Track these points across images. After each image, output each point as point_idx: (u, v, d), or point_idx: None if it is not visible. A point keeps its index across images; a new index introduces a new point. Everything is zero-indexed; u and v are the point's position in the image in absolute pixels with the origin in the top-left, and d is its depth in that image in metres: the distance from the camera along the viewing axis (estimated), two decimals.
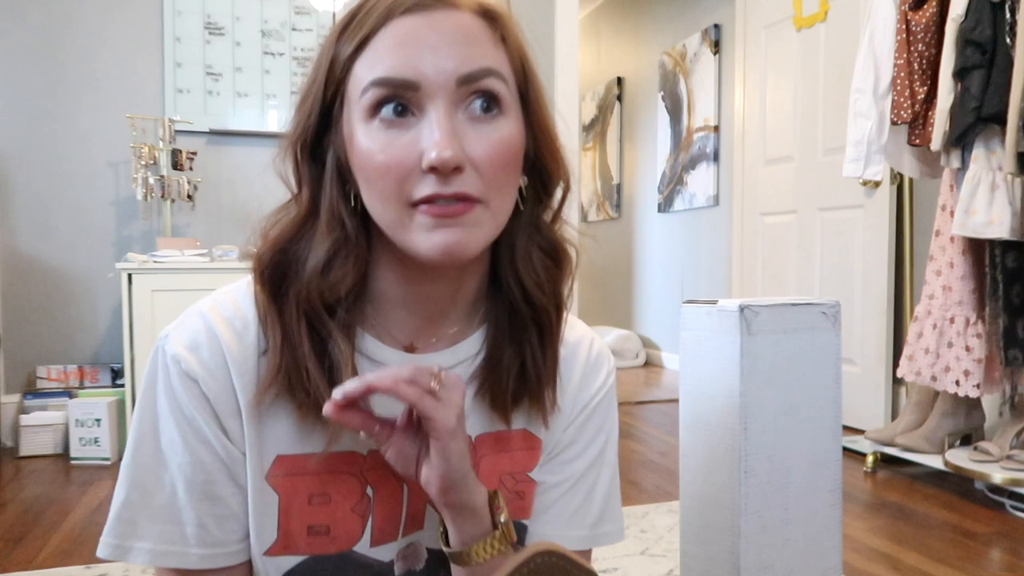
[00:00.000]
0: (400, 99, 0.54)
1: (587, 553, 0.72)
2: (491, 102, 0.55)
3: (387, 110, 0.54)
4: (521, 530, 0.67)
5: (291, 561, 0.60)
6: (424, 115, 0.54)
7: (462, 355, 0.63)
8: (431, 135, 0.52)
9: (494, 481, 0.65)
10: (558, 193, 0.63)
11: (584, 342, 0.71)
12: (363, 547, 0.62)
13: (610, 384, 0.72)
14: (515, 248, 0.61)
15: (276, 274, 0.58)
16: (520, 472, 0.66)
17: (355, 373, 0.58)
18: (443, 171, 0.52)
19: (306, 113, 0.58)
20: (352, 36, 0.56)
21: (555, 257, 0.62)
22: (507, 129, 0.56)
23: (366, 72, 0.54)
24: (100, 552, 0.59)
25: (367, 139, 0.54)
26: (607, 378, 0.71)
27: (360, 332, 0.61)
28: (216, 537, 0.59)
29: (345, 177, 0.58)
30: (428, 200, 0.53)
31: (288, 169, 0.60)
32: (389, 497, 0.62)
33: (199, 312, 0.59)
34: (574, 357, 0.69)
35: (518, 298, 0.61)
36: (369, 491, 0.61)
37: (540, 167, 0.61)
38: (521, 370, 0.62)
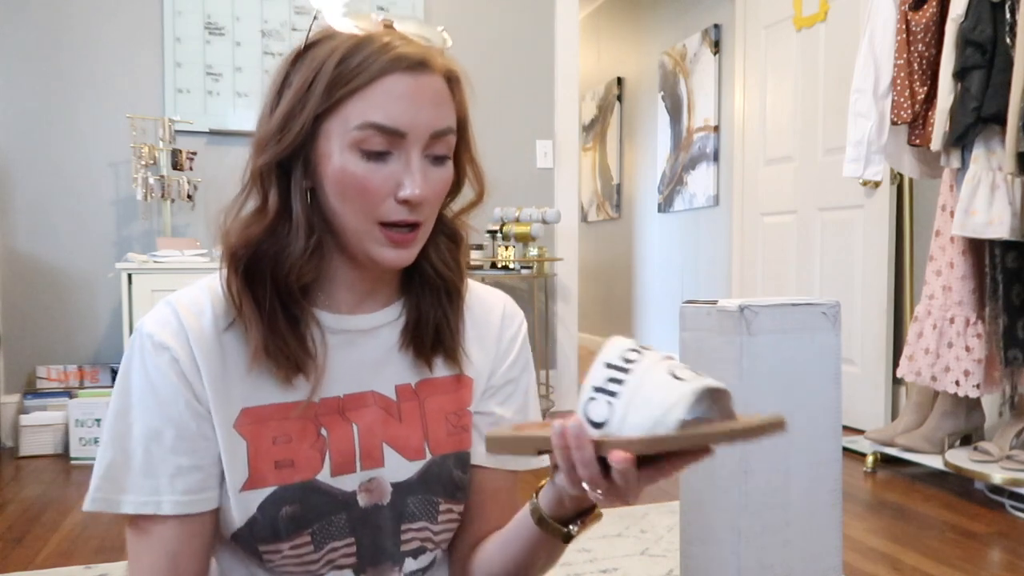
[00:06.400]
0: (388, 141, 0.69)
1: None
2: (445, 153, 0.72)
3: (375, 147, 0.68)
4: (465, 457, 0.82)
5: (263, 493, 0.72)
6: (401, 155, 0.69)
7: (388, 318, 0.80)
8: (411, 175, 0.69)
9: (441, 419, 0.80)
10: (469, 193, 0.80)
11: (498, 297, 0.89)
12: (324, 476, 0.74)
13: (524, 329, 0.89)
14: (428, 238, 0.78)
15: (250, 267, 0.71)
16: (461, 409, 0.82)
17: (318, 338, 0.74)
18: (413, 203, 0.70)
19: (294, 129, 0.70)
20: (352, 76, 0.68)
21: (455, 240, 0.81)
22: (449, 171, 0.74)
23: (362, 112, 0.68)
24: (90, 506, 0.70)
25: (352, 165, 0.69)
26: (521, 324, 0.89)
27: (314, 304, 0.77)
28: (188, 486, 0.70)
29: (311, 181, 0.72)
30: (395, 224, 0.70)
31: (260, 170, 0.73)
32: (342, 436, 0.76)
33: (165, 302, 0.75)
34: (492, 309, 0.87)
35: (430, 273, 0.79)
36: (324, 432, 0.75)
37: (455, 183, 0.79)
38: (436, 326, 0.80)
